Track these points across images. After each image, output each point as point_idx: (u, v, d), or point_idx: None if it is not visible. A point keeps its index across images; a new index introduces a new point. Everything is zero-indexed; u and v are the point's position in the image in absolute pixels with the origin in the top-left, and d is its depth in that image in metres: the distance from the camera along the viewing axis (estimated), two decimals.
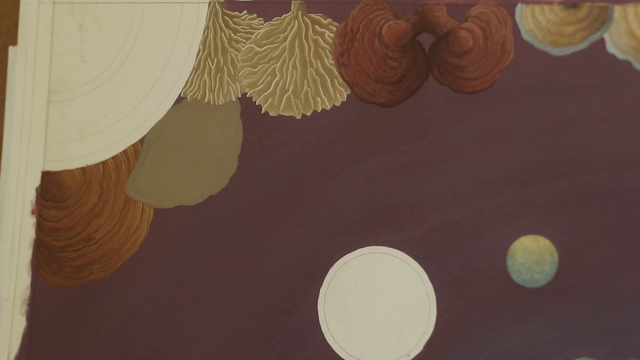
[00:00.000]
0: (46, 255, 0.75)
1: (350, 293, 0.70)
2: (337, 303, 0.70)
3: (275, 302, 0.70)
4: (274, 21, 0.72)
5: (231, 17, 0.73)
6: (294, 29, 0.72)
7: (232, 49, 0.73)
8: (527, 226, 0.67)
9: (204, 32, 0.73)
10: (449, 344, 0.68)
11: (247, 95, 0.73)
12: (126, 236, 0.74)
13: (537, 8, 0.67)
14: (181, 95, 0.74)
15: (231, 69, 0.73)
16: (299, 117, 0.72)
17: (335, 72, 0.71)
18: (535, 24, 0.67)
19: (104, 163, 0.75)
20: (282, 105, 0.72)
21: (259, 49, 0.72)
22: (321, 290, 0.71)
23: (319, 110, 0.71)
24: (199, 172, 0.73)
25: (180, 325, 0.70)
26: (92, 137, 0.75)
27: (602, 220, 0.66)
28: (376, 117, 0.70)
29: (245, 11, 0.73)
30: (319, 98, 0.71)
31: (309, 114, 0.71)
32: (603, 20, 0.66)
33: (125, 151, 0.74)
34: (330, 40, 0.71)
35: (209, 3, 0.73)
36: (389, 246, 0.70)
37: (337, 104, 0.71)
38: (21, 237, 0.75)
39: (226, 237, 0.68)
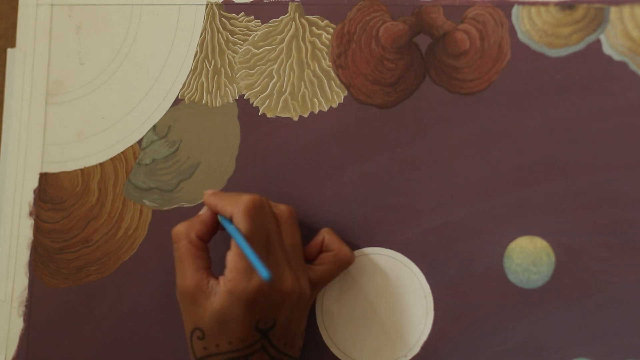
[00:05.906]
0: (44, 256, 0.75)
1: (348, 294, 0.70)
2: (334, 304, 0.70)
3: None
4: (271, 23, 0.72)
5: (228, 19, 0.73)
6: (291, 30, 0.72)
7: (229, 51, 0.73)
8: (524, 227, 0.67)
9: (202, 34, 0.73)
10: (446, 345, 0.68)
11: (245, 97, 0.73)
12: (124, 238, 0.74)
13: (533, 9, 0.67)
14: (179, 97, 0.74)
15: (228, 70, 0.73)
16: (296, 118, 0.72)
17: (332, 73, 0.71)
18: (532, 25, 0.67)
19: (102, 165, 0.75)
20: (279, 107, 0.72)
21: (256, 50, 0.72)
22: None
23: (316, 112, 0.71)
24: (197, 173, 0.73)
25: (178, 327, 0.70)
26: (90, 139, 0.75)
27: (599, 221, 0.65)
28: (373, 118, 0.70)
29: (242, 13, 0.73)
30: (316, 100, 0.71)
31: (306, 115, 0.71)
32: (599, 21, 0.66)
33: (123, 153, 0.74)
34: (328, 42, 0.71)
35: (206, 5, 0.73)
36: (386, 247, 0.70)
37: (334, 106, 0.71)
38: (19, 238, 0.75)
39: (224, 239, 0.68)
